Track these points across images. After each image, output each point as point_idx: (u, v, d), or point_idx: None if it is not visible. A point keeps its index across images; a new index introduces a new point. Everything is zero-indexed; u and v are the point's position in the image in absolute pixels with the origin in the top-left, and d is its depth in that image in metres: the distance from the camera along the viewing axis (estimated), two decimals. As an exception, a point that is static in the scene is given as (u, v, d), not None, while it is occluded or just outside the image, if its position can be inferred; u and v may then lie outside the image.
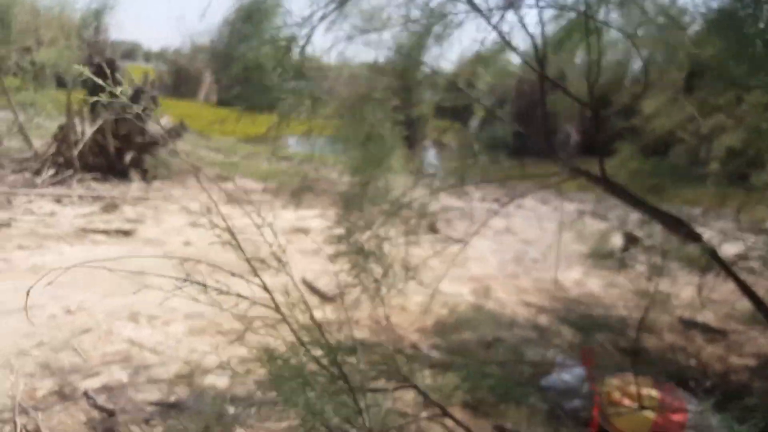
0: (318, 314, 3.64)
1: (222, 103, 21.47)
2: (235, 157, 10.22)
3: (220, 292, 1.59)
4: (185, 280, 1.55)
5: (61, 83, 7.34)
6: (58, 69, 6.82)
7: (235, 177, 7.48)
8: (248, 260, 1.62)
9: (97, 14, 25.23)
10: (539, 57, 2.11)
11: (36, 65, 6.84)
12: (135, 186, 6.21)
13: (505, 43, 1.92)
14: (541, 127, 2.14)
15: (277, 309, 1.58)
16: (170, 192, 6.21)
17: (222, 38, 22.07)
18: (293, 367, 1.58)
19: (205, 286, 1.58)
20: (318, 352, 1.62)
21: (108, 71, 4.81)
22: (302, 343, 1.57)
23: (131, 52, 38.39)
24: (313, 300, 3.84)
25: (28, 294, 1.44)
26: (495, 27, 1.92)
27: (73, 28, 22.22)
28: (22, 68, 7.02)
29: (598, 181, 2.14)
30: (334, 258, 2.26)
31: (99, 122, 6.04)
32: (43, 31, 14.63)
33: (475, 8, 1.89)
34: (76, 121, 6.05)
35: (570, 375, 2.97)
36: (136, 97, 6.62)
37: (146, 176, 6.49)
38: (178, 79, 21.02)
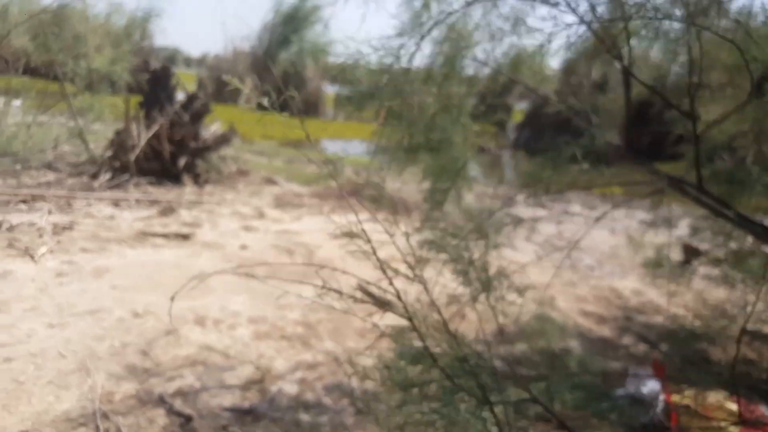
0: (378, 320, 3.60)
1: (262, 107, 21.78)
2: (278, 160, 10.29)
3: (357, 298, 1.56)
4: (323, 287, 1.54)
5: (115, 89, 7.50)
6: (112, 75, 6.96)
7: (282, 181, 7.52)
8: (382, 267, 1.59)
9: (143, 21, 25.85)
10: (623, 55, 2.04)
11: (92, 72, 7.00)
12: (188, 190, 6.29)
13: (599, 41, 1.85)
14: (625, 132, 2.07)
15: (408, 318, 1.55)
16: (222, 196, 6.27)
17: (262, 43, 22.40)
18: (417, 375, 1.54)
19: (339, 292, 1.57)
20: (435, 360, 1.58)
21: (162, 78, 4.89)
22: (430, 354, 1.53)
23: (172, 57, 39.21)
24: (370, 307, 3.82)
25: (172, 300, 1.47)
26: (586, 23, 1.85)
27: (119, 34, 22.82)
28: (78, 74, 7.19)
29: (691, 190, 2.06)
30: (417, 264, 2.23)
31: (155, 127, 6.14)
32: (91, 37, 15.03)
33: (571, 8, 1.83)
34: (133, 126, 6.17)
35: (644, 387, 2.89)
36: (189, 103, 6.74)
37: (198, 180, 6.58)
38: (220, 84, 21.33)
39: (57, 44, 7.43)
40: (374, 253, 1.62)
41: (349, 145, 15.31)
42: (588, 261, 5.55)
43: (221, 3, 32.12)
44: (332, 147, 14.54)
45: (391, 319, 3.66)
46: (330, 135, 16.78)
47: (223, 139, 6.99)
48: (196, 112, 6.70)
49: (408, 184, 8.90)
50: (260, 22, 23.91)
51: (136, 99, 6.78)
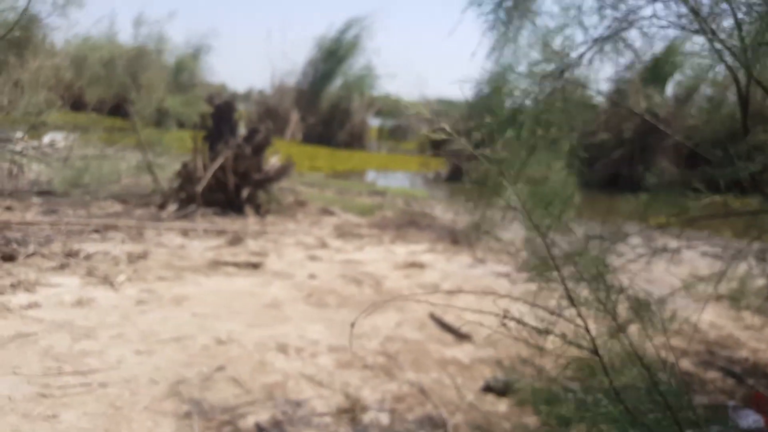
0: (456, 353, 3.56)
1: (307, 140, 22.18)
2: (329, 191, 10.40)
3: (543, 330, 1.54)
4: (505, 317, 1.53)
5: (180, 124, 7.76)
6: (178, 112, 7.23)
7: (339, 211, 7.59)
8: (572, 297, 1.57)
9: (192, 58, 26.68)
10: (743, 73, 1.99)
11: (160, 109, 7.29)
12: (251, 220, 6.40)
13: (726, 55, 1.80)
14: (742, 158, 2.01)
15: (594, 351, 1.51)
16: (284, 226, 6.35)
17: (306, 78, 22.78)
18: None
19: (523, 323, 1.55)
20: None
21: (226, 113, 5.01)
22: (610, 382, 1.48)
23: (217, 93, 40.49)
24: (445, 337, 3.78)
25: (353, 326, 1.52)
26: (708, 34, 1.81)
27: (170, 71, 23.64)
28: (147, 113, 7.49)
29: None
30: (532, 297, 2.17)
31: (220, 160, 6.30)
32: (143, 73, 15.66)
33: (700, 20, 1.79)
34: (199, 158, 6.34)
35: (745, 421, 2.77)
36: (251, 136, 6.90)
37: (260, 211, 6.68)
38: (267, 118, 21.83)
39: (127, 85, 7.82)
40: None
41: (394, 177, 15.42)
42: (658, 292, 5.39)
43: (267, 39, 33.17)
44: (379, 178, 14.66)
45: (468, 351, 3.60)
46: (375, 166, 16.93)
47: (283, 171, 7.11)
48: (257, 144, 6.85)
49: (460, 215, 8.89)
50: (304, 57, 24.45)
51: (200, 132, 6.98)
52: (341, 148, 20.95)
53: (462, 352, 3.60)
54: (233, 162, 6.47)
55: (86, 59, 8.25)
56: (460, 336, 3.78)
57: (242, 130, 7.13)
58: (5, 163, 7.07)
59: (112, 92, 11.05)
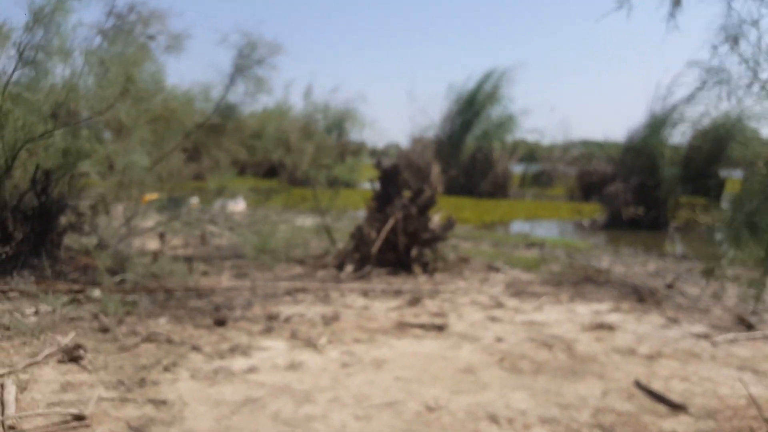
0: (674, 425, 3.33)
1: (448, 192, 22.44)
2: (483, 244, 10.36)
3: None
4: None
5: (346, 184, 8.23)
6: (351, 180, 7.71)
7: (504, 267, 7.52)
8: None
9: (340, 122, 28.38)
10: None
11: (332, 177, 7.82)
12: (421, 279, 6.54)
13: None
14: None
15: None
16: (455, 284, 6.41)
17: (444, 130, 23.26)
18: None
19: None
20: None
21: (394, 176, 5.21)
22: None
23: (358, 150, 42.43)
24: (658, 408, 3.55)
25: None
26: None
27: (319, 134, 25.25)
28: (320, 180, 8.04)
29: None
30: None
31: (391, 222, 6.55)
32: (294, 138, 16.86)
33: None
34: (372, 220, 6.63)
35: None
36: (416, 196, 7.12)
37: (427, 269, 6.81)
38: (408, 171, 22.42)
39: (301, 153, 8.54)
40: None
41: (546, 226, 15.06)
42: None
43: (405, 96, 34.65)
44: (529, 228, 14.39)
45: (686, 423, 3.36)
46: (524, 216, 16.67)
47: (447, 228, 7.23)
48: (423, 204, 7.05)
49: (631, 266, 8.44)
50: (442, 109, 25.06)
51: (369, 194, 7.34)
52: (484, 197, 20.93)
53: (680, 424, 3.36)
54: (403, 222, 6.69)
55: (263, 130, 9.10)
56: (675, 406, 3.54)
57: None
58: (197, 231, 7.87)
59: (277, 157, 12.01)
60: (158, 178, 7.02)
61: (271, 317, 4.96)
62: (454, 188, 22.23)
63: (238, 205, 10.96)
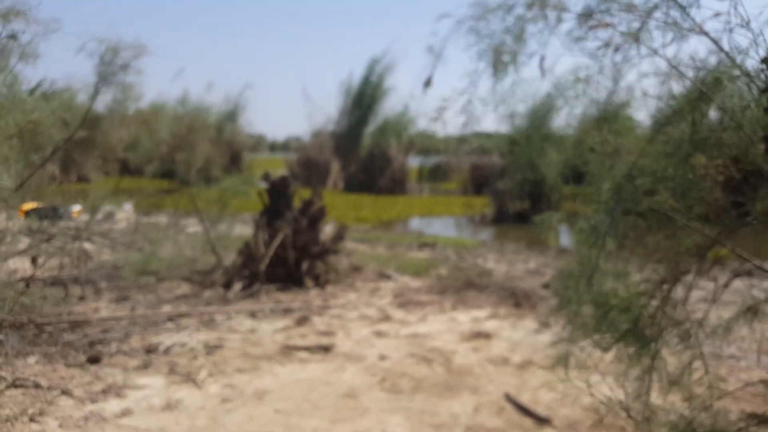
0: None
1: (348, 189, 22.52)
2: (379, 247, 10.52)
3: None
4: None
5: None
6: (241, 194, 7.55)
7: (395, 274, 7.68)
8: None
9: (231, 116, 27.53)
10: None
11: (220, 188, 7.62)
12: (312, 293, 6.55)
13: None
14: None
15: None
16: (345, 297, 6.48)
17: (341, 125, 23.27)
18: None
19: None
20: None
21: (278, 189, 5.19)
22: None
23: (257, 144, 41.47)
24: (525, 422, 3.78)
25: None
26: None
27: (210, 129, 24.29)
28: (204, 185, 7.80)
29: None
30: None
31: (280, 236, 6.50)
32: (189, 136, 16.30)
33: None
34: (260, 236, 6.55)
35: None
36: (306, 208, 7.10)
37: (319, 281, 6.83)
38: (308, 168, 22.30)
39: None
40: None
41: (441, 222, 15.49)
42: (730, 349, 5.27)
43: (302, 89, 34.21)
44: (425, 225, 14.74)
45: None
46: (420, 212, 17.05)
47: (338, 238, 7.27)
48: (313, 216, 7.05)
49: (514, 264, 8.85)
50: (337, 104, 25.11)
51: (257, 208, 7.23)
52: (383, 194, 21.17)
53: (545, 436, 3.60)
54: (293, 236, 6.66)
55: (138, 136, 8.74)
56: (540, 420, 3.78)
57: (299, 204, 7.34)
58: (73, 250, 7.42)
59: (158, 156, 11.56)
60: (26, 196, 6.56)
61: (150, 349, 4.80)
62: (353, 185, 22.35)
63: (126, 212, 10.44)
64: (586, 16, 2.45)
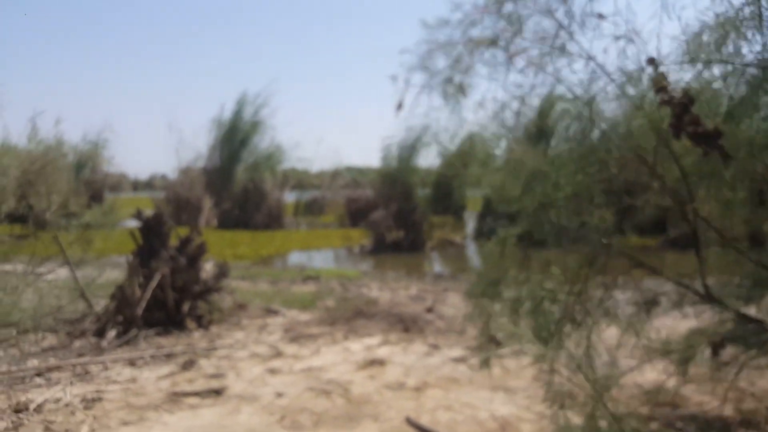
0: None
1: (222, 226, 21.78)
2: (262, 282, 10.32)
3: None
4: None
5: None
6: (105, 227, 7.04)
7: (282, 308, 7.55)
8: None
9: (91, 154, 25.92)
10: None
11: (81, 224, 7.06)
12: (196, 335, 6.25)
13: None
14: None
15: None
16: (232, 337, 6.26)
17: (212, 161, 22.76)
18: None
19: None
20: None
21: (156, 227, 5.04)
22: None
23: (118, 183, 39.12)
24: (427, 442, 3.85)
25: None
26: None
27: (68, 169, 22.64)
28: (63, 226, 7.23)
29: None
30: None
31: (158, 276, 6.16)
32: (41, 177, 15.09)
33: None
34: (134, 278, 6.17)
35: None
36: (183, 246, 6.82)
37: (202, 322, 6.55)
38: (178, 206, 21.38)
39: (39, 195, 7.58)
40: None
41: (321, 255, 15.45)
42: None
43: (167, 126, 32.89)
44: (306, 259, 14.63)
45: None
46: (299, 246, 16.91)
47: (221, 276, 7.03)
48: (192, 254, 6.77)
49: (396, 292, 9.05)
50: (207, 141, 24.40)
51: (130, 247, 6.81)
52: (260, 229, 20.79)
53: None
54: (171, 277, 6.34)
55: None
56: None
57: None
58: None
59: (7, 198, 10.58)
60: None
61: (19, 409, 4.31)
62: (228, 222, 21.71)
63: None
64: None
